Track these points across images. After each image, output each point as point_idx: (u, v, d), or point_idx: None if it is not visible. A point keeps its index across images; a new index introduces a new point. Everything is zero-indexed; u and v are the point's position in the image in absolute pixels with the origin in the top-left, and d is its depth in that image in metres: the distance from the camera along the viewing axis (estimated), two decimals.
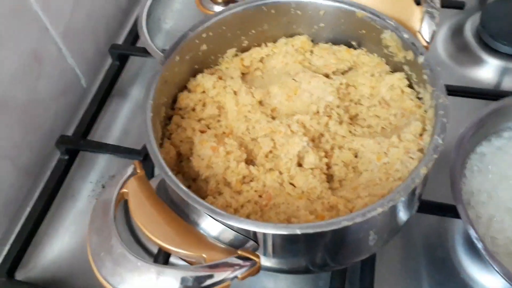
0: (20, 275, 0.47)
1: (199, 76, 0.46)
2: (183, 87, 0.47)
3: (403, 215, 0.36)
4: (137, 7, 0.70)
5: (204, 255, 0.30)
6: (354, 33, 0.46)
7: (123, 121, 0.61)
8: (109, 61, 0.64)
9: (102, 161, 0.57)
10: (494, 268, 0.35)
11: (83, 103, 0.61)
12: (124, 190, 0.32)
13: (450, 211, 0.42)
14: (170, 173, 0.34)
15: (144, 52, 0.60)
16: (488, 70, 0.60)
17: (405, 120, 0.42)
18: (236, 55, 0.49)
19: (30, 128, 0.55)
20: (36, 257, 0.49)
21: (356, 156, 0.42)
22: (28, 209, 0.51)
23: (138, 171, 0.34)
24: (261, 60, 0.49)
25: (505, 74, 0.59)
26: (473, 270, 0.44)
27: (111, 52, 0.63)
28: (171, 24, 0.65)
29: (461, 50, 0.61)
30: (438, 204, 0.44)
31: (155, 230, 0.30)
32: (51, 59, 0.57)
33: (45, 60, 0.56)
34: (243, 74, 0.49)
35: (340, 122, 0.42)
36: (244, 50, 0.49)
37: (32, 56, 0.54)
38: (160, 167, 0.34)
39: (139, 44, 0.65)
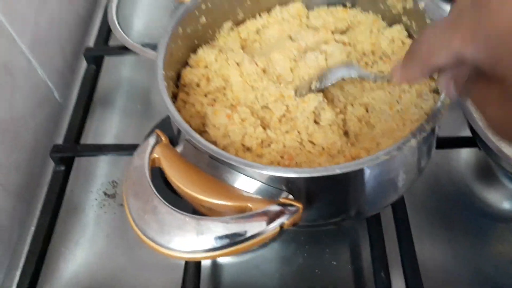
0: None
1: (200, 51, 0.47)
2: (185, 64, 0.47)
3: (427, 151, 0.38)
4: (96, 13, 0.71)
5: (249, 205, 0.30)
6: None
7: (112, 123, 0.60)
8: (81, 68, 0.64)
9: (98, 168, 0.56)
10: None
11: (64, 114, 0.60)
12: (155, 155, 0.32)
13: (465, 141, 0.47)
14: (194, 133, 0.34)
15: (121, 50, 0.60)
16: None
17: None
18: (232, 29, 0.50)
19: (13, 147, 0.54)
20: (52, 277, 0.48)
21: (367, 111, 0.43)
22: (33, 228, 0.50)
23: (163, 138, 0.34)
24: (257, 32, 0.51)
25: None
26: (487, 194, 0.49)
27: (86, 55, 0.62)
28: (144, 17, 0.66)
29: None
30: (452, 138, 0.47)
31: (196, 187, 0.30)
32: (22, 72, 0.56)
33: (16, 73, 0.55)
34: (242, 47, 0.50)
35: (352, 80, 0.44)
36: (240, 23, 0.51)
37: (3, 69, 0.52)
38: (184, 129, 0.34)
39: (112, 44, 0.65)
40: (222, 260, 0.48)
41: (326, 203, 0.36)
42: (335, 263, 0.46)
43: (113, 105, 0.62)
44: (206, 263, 0.47)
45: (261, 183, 0.34)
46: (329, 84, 0.41)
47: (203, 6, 0.45)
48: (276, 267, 0.47)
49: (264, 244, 0.48)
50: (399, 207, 0.44)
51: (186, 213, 0.29)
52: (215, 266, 0.48)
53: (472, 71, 0.26)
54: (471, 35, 0.23)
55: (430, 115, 0.34)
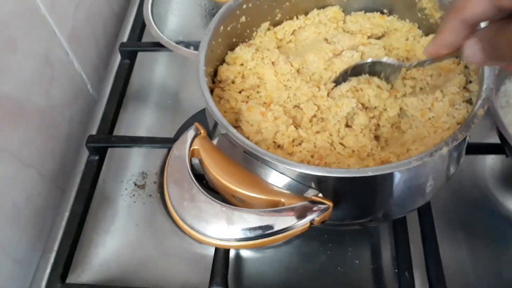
0: (71, 280, 0.49)
1: (237, 49, 0.48)
2: (222, 61, 0.49)
3: (457, 159, 0.39)
4: (130, 10, 0.73)
5: (282, 200, 0.32)
6: (386, 0, 0.49)
7: (144, 118, 0.62)
8: (115, 63, 0.66)
9: (129, 159, 0.58)
10: None
11: (98, 106, 0.62)
12: (194, 147, 0.34)
13: (494, 148, 0.48)
14: (232, 128, 0.36)
15: (155, 46, 0.63)
16: None
17: (442, 79, 0.45)
18: (269, 29, 0.52)
19: (49, 135, 0.56)
20: (83, 261, 0.50)
21: (399, 116, 0.44)
22: (67, 214, 0.52)
23: (201, 131, 0.36)
24: (293, 33, 0.52)
25: None
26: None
27: (121, 50, 0.64)
28: (178, 15, 0.68)
29: None
30: (482, 144, 0.48)
31: (232, 179, 0.32)
32: (60, 64, 0.59)
33: (55, 65, 0.58)
34: (277, 47, 0.51)
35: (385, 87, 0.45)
36: (277, 24, 0.52)
37: (44, 60, 0.55)
38: (222, 123, 0.36)
39: (145, 40, 0.67)
40: (246, 253, 0.49)
41: (354, 204, 0.38)
42: (357, 261, 0.47)
43: (145, 100, 0.64)
44: (231, 256, 0.48)
45: (292, 180, 0.35)
46: (361, 64, 0.42)
47: (244, 6, 0.47)
48: (299, 263, 0.48)
49: (288, 241, 0.49)
50: (425, 211, 0.44)
51: (223, 203, 0.31)
52: (239, 259, 0.49)
53: (503, 23, 0.24)
54: None
55: (464, 124, 0.34)
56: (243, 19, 0.48)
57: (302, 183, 0.36)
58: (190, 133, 0.35)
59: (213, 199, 0.31)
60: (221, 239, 0.30)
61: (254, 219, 0.30)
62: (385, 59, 0.42)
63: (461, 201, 0.51)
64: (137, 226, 0.53)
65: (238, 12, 0.46)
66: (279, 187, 0.35)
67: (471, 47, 0.27)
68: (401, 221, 0.44)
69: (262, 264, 0.48)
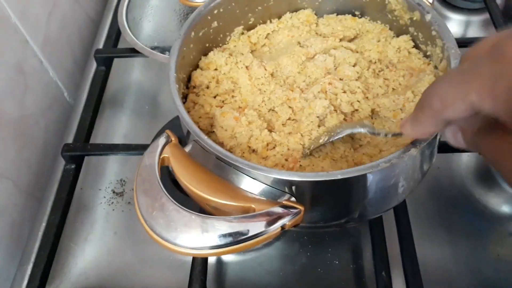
0: None
1: (210, 54, 0.48)
2: (196, 66, 0.49)
3: (429, 157, 0.39)
4: (106, 16, 0.73)
5: (253, 206, 0.32)
6: (357, 3, 0.49)
7: (121, 124, 0.62)
8: (91, 69, 0.66)
9: (107, 167, 0.58)
10: None
11: (74, 114, 0.62)
12: (165, 155, 0.34)
13: None
14: (202, 134, 0.36)
15: (131, 52, 0.62)
16: (452, 25, 0.69)
17: (414, 79, 0.46)
18: (243, 33, 0.52)
19: (24, 144, 0.56)
20: (61, 272, 0.50)
21: (371, 118, 0.45)
22: (44, 224, 0.52)
23: (172, 138, 0.36)
24: (267, 37, 0.52)
25: (468, 27, 0.69)
26: (486, 198, 0.51)
27: (96, 57, 0.64)
28: (153, 21, 0.68)
29: None
30: None
31: (203, 187, 0.32)
32: (34, 72, 0.58)
33: (29, 74, 0.57)
34: (251, 51, 0.52)
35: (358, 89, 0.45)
36: (250, 28, 0.52)
37: (17, 69, 0.55)
38: (193, 131, 0.36)
39: (121, 46, 0.67)
40: (227, 258, 0.49)
41: (328, 206, 0.38)
42: (337, 262, 0.48)
43: (122, 106, 0.64)
44: (211, 261, 0.48)
45: (265, 185, 0.35)
46: (337, 138, 0.39)
47: (216, 11, 0.47)
48: (279, 266, 0.48)
49: (268, 243, 0.50)
50: (401, 210, 0.45)
51: (193, 211, 0.31)
52: (220, 263, 0.49)
53: (483, 123, 0.25)
54: (489, 87, 0.21)
55: None
56: (215, 24, 0.48)
57: (275, 187, 0.36)
58: (161, 141, 0.35)
59: (183, 208, 0.31)
60: (192, 248, 0.30)
61: (224, 226, 0.30)
62: (359, 130, 0.39)
63: (438, 199, 0.51)
64: (116, 234, 0.52)
65: (209, 17, 0.47)
66: (251, 193, 0.35)
67: (453, 135, 0.28)
68: (377, 221, 0.44)
69: (243, 268, 0.49)
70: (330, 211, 0.38)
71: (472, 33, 0.68)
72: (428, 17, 0.42)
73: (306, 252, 0.49)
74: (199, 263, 0.44)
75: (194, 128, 0.36)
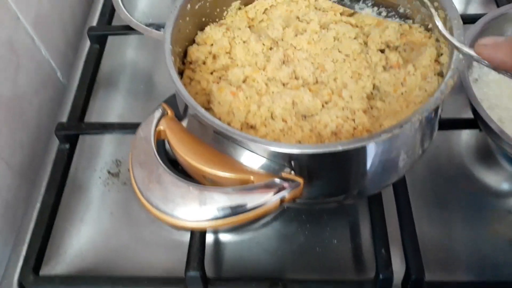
0: (45, 272, 0.47)
1: (207, 29, 0.47)
2: (192, 41, 0.48)
3: (429, 132, 0.39)
4: None
5: (251, 178, 0.31)
6: None
7: (116, 104, 0.61)
8: (84, 48, 0.64)
9: (102, 147, 0.57)
10: None
11: (68, 93, 0.61)
12: (160, 127, 0.33)
13: (467, 123, 0.49)
14: (200, 108, 0.35)
15: (125, 29, 0.61)
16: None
17: (415, 53, 0.45)
18: (240, 8, 0.51)
19: (17, 125, 0.55)
20: (57, 252, 0.49)
21: (371, 93, 0.44)
22: (38, 205, 0.51)
23: (168, 111, 0.35)
24: (265, 12, 0.51)
25: (469, 4, 0.68)
26: (486, 176, 0.51)
27: (90, 35, 0.62)
28: None
29: None
30: (454, 119, 0.48)
31: (200, 159, 0.31)
32: (26, 51, 0.57)
33: (20, 52, 0.56)
34: (249, 26, 0.51)
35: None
36: (248, 3, 0.51)
37: (8, 47, 0.53)
38: (190, 103, 0.35)
39: (115, 24, 0.66)
40: (224, 237, 0.49)
41: (328, 181, 0.37)
42: (335, 241, 0.48)
43: (117, 86, 0.62)
44: (209, 241, 0.48)
45: (264, 159, 0.35)
46: None
47: None
48: (278, 245, 0.48)
49: (266, 223, 0.49)
50: (400, 187, 0.45)
51: (190, 182, 0.30)
52: (218, 243, 0.49)
53: None
54: None
55: (433, 96, 0.34)
56: None
57: (274, 161, 0.35)
58: (156, 113, 0.35)
59: (181, 179, 0.30)
60: (189, 220, 0.29)
61: (222, 198, 0.29)
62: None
63: (437, 177, 0.51)
64: (112, 215, 0.52)
65: None
66: (249, 166, 0.34)
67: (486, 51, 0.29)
68: (377, 198, 0.44)
69: (240, 248, 0.48)
70: (330, 186, 0.38)
71: (473, 9, 0.67)
72: None
73: (304, 231, 0.49)
74: (197, 241, 0.43)
75: (191, 101, 0.35)
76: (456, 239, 0.47)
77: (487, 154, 0.53)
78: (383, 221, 0.43)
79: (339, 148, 0.32)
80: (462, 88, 0.48)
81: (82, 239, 0.50)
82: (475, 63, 0.49)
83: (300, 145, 0.33)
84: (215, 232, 0.49)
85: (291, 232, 0.49)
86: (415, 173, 0.50)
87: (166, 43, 0.39)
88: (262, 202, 0.30)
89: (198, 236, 0.43)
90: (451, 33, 0.38)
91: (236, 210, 0.29)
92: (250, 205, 0.30)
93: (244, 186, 0.31)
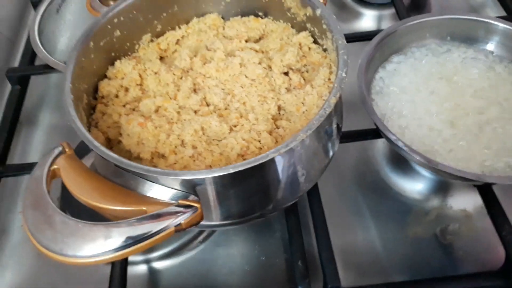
0: None
1: (117, 63, 0.48)
2: (103, 76, 0.48)
3: (326, 147, 0.40)
4: (21, 34, 0.71)
5: (144, 208, 0.32)
6: (259, 3, 0.51)
7: (38, 145, 0.60)
8: (5, 90, 0.64)
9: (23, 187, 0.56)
10: (415, 159, 0.42)
11: None
12: (55, 166, 0.33)
13: (369, 133, 0.51)
14: (97, 143, 0.36)
15: (46, 69, 0.61)
16: (367, 21, 0.73)
17: (315, 73, 0.47)
18: (152, 40, 0.52)
19: None
20: None
21: (279, 113, 0.46)
22: None
23: (67, 150, 0.35)
24: (177, 43, 0.53)
25: (382, 20, 0.73)
26: (401, 182, 0.53)
27: (9, 76, 0.62)
28: (68, 35, 0.66)
29: (341, 8, 0.74)
30: (358, 131, 0.50)
31: (93, 195, 0.32)
32: None
33: None
34: (161, 57, 0.52)
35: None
36: (159, 35, 0.52)
37: None
38: (87, 140, 0.36)
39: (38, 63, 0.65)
40: (158, 265, 0.49)
41: (232, 201, 0.38)
42: (263, 258, 0.48)
43: (41, 123, 0.62)
44: (142, 269, 0.48)
45: (164, 187, 0.35)
46: None
47: (116, 20, 0.47)
48: (208, 268, 0.48)
49: (190, 247, 0.49)
50: (313, 199, 0.45)
51: (79, 220, 0.30)
52: (148, 270, 0.49)
53: None
54: None
55: (318, 114, 0.36)
56: (117, 33, 0.47)
57: (177, 189, 0.36)
58: (53, 152, 0.35)
59: (69, 217, 0.30)
60: (79, 257, 0.29)
61: (113, 232, 0.30)
62: None
63: (353, 185, 0.53)
64: (39, 256, 0.51)
65: (109, 26, 0.46)
66: (153, 197, 0.35)
67: None
68: (292, 210, 0.45)
69: (168, 274, 0.48)
70: (237, 206, 0.39)
71: (385, 25, 0.72)
72: (318, 11, 0.44)
73: (234, 251, 0.49)
74: (118, 274, 0.43)
75: (87, 136, 0.36)
76: (378, 244, 0.49)
77: (401, 161, 0.55)
78: (299, 233, 0.44)
79: (230, 170, 0.33)
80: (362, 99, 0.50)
81: (8, 283, 0.49)
82: (376, 76, 0.52)
83: (193, 171, 0.34)
84: (147, 261, 0.49)
85: (220, 255, 0.49)
86: (331, 183, 0.52)
87: (67, 82, 0.40)
88: (150, 232, 0.30)
89: (118, 269, 0.43)
90: (337, 53, 0.41)
91: (125, 243, 0.30)
92: (138, 236, 0.30)
93: (139, 217, 0.31)
